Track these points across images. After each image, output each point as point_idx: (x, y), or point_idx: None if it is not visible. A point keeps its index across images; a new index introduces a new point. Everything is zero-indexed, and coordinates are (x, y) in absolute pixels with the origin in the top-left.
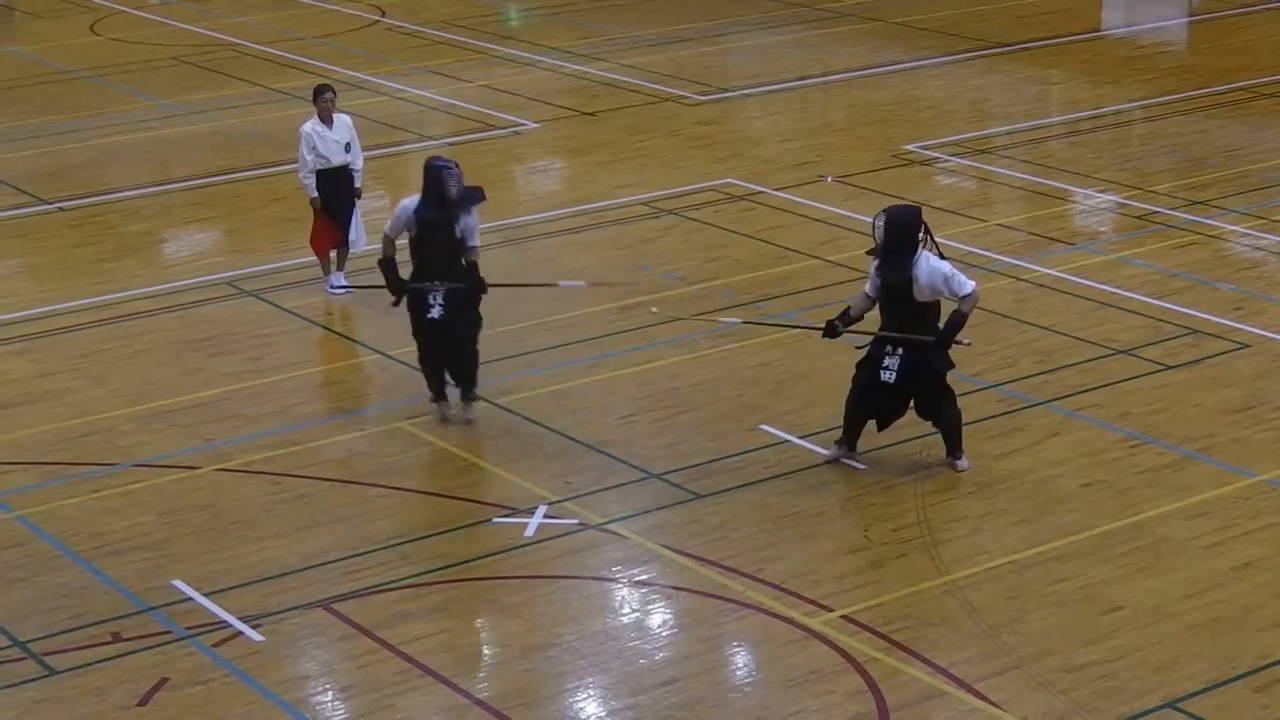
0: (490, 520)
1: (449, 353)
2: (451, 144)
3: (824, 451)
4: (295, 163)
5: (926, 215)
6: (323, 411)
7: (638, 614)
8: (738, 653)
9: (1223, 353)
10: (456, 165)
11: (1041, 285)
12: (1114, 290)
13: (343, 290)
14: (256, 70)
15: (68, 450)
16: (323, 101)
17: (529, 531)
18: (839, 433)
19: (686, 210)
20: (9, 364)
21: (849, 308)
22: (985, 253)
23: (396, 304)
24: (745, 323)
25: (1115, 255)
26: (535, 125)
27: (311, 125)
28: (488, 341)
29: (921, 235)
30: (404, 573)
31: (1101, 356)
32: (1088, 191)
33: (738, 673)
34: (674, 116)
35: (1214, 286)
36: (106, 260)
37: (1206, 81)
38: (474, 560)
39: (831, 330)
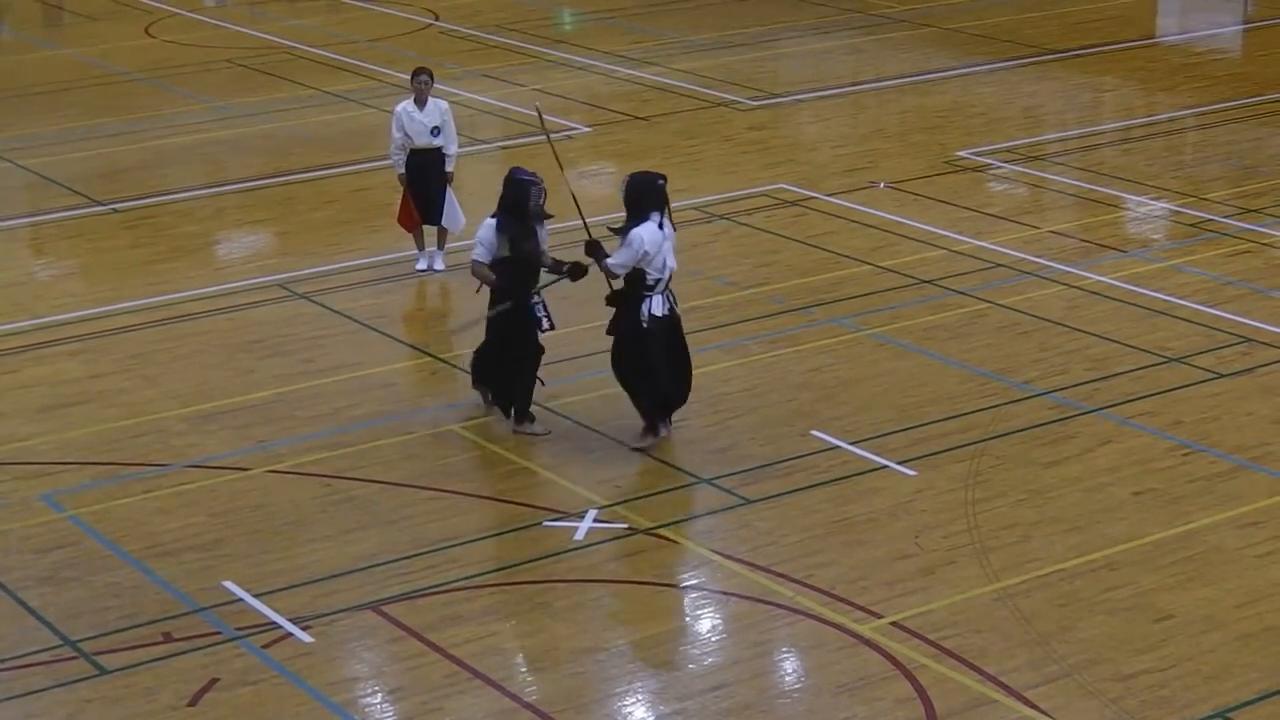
0: (541, 524)
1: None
2: (504, 147)
3: (875, 457)
4: (347, 165)
5: (977, 221)
6: (374, 414)
7: (687, 619)
8: (786, 658)
9: (1276, 361)
10: (539, 179)
11: (1093, 293)
12: (1166, 298)
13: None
14: (310, 73)
15: (120, 450)
16: (416, 84)
17: (579, 535)
18: (891, 439)
19: (738, 215)
20: (63, 364)
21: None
22: (1037, 259)
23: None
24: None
25: (1168, 263)
26: (588, 129)
27: (403, 106)
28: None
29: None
30: (454, 575)
31: (1154, 364)
32: (1140, 199)
33: (786, 678)
34: (726, 121)
35: (1267, 295)
36: (160, 261)
37: (1261, 89)
38: (524, 563)
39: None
